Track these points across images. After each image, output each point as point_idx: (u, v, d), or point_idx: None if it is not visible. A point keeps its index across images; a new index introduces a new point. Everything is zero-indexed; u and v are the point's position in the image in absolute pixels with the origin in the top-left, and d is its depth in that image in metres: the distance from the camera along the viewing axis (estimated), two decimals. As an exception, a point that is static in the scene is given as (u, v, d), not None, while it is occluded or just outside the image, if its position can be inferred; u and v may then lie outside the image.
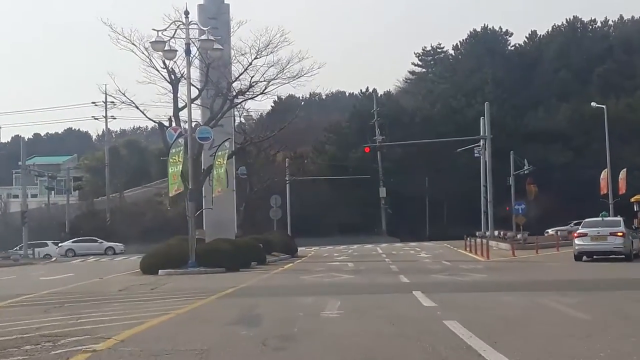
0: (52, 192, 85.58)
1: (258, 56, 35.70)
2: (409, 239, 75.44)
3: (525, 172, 73.28)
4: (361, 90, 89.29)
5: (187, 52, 31.72)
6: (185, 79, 32.90)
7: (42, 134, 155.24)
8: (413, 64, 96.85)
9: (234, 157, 42.02)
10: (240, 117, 47.19)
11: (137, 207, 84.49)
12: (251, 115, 46.86)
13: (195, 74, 35.28)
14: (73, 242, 71.00)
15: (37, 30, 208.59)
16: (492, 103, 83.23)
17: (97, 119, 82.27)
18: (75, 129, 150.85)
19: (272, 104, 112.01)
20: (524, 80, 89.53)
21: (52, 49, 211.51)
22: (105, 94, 70.77)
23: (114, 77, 36.97)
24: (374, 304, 16.98)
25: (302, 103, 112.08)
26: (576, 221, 77.70)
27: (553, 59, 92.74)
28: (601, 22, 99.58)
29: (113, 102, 79.88)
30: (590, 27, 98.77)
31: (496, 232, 59.34)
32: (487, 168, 61.32)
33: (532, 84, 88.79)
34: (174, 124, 33.50)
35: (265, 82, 36.59)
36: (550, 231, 76.29)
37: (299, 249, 62.32)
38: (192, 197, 32.23)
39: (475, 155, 67.29)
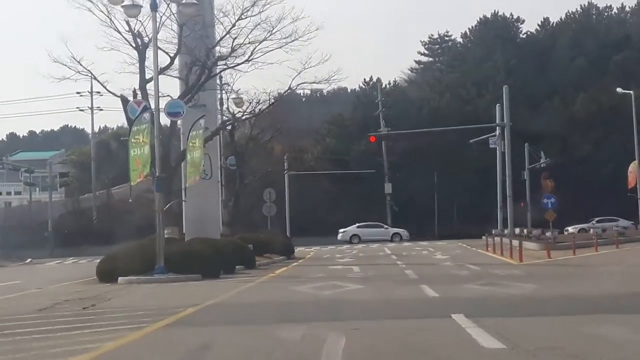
0: (37, 189, 79.16)
1: (243, 16, 29.07)
2: (416, 237, 68.84)
3: (542, 165, 66.42)
4: (364, 79, 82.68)
5: (153, 6, 25.04)
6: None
7: (37, 132, 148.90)
8: (419, 52, 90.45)
9: (220, 144, 35.55)
10: (227, 99, 40.56)
11: (126, 204, 77.62)
12: (241, 98, 39.79)
13: (168, 36, 28.62)
14: None
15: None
16: (503, 93, 76.96)
17: (82, 110, 75.57)
18: (71, 126, 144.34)
19: (272, 100, 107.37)
20: (538, 69, 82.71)
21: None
22: (92, 82, 64.12)
23: (67, 41, 30.03)
24: (400, 342, 10.34)
25: (304, 99, 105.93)
26: (598, 218, 71.49)
27: (567, 47, 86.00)
28: (617, 9, 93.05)
29: (99, 92, 73.77)
30: (606, 13, 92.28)
31: (517, 230, 52.56)
32: (507, 159, 54.51)
33: (546, 72, 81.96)
34: (139, 98, 26.85)
35: (251, 45, 29.85)
36: (571, 229, 69.77)
37: (298, 249, 55.71)
38: (158, 187, 25.60)
39: (491, 145, 60.49)
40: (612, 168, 71.61)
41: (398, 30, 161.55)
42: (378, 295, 18.27)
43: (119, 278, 24.89)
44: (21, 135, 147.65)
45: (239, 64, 30.37)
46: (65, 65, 28.84)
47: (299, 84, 35.79)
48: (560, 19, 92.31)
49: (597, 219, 70.65)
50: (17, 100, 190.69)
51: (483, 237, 62.09)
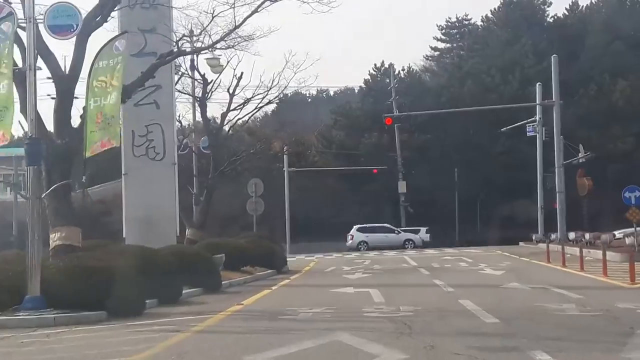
0: (7, 188, 67.67)
1: None
2: (435, 243, 57.34)
3: (581, 161, 54.43)
4: (375, 65, 70.71)
5: None
6: None
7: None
8: (435, 38, 78.54)
9: (175, 107, 24.02)
10: (196, 59, 29.01)
11: (104, 205, 65.84)
12: (218, 59, 28.10)
13: None
14: None
15: None
16: (532, 80, 65.32)
17: (53, 98, 63.70)
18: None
19: (278, 102, 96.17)
20: (569, 54, 70.52)
21: None
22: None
23: None
24: None
25: (309, 100, 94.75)
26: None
27: (600, 32, 74.12)
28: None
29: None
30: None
31: (571, 235, 41.01)
32: (556, 146, 42.97)
33: (579, 58, 70.05)
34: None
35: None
36: (617, 233, 58.33)
37: (297, 257, 44.26)
38: (32, 157, 14.18)
39: (529, 133, 48.99)
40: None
41: (410, 15, 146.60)
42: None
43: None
44: None
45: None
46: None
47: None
48: (591, 2, 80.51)
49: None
50: None
51: (521, 243, 50.86)
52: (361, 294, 18.14)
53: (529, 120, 48.63)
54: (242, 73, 29.13)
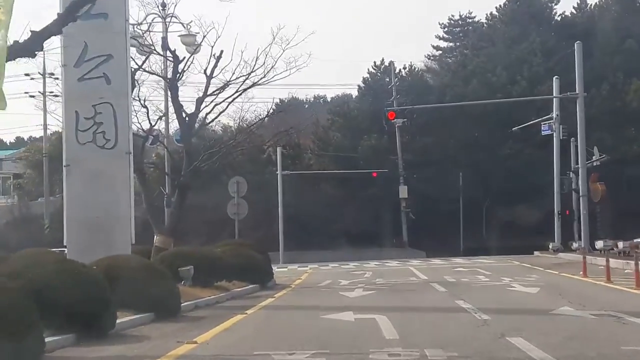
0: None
1: None
2: (437, 253, 52.25)
3: (595, 164, 49.22)
4: (374, 62, 65.55)
5: None
6: None
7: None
8: (437, 37, 73.53)
9: (132, 81, 19.02)
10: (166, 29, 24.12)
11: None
12: (194, 37, 22.93)
13: None
14: None
15: None
16: (541, 79, 60.39)
17: (32, 96, 58.68)
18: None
19: (274, 107, 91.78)
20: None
21: None
22: (44, 62, 47.53)
23: None
24: None
25: (306, 106, 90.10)
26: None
27: (611, 30, 69.25)
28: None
29: (52, 73, 56.53)
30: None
31: (599, 243, 35.93)
32: (580, 141, 37.97)
33: (590, 57, 64.95)
34: None
35: None
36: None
37: (289, 267, 39.28)
38: None
39: (544, 131, 43.98)
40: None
41: (410, 14, 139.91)
42: None
43: None
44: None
45: None
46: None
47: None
48: (600, 0, 75.71)
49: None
50: None
51: (536, 252, 45.85)
52: (364, 323, 13.05)
53: (544, 117, 43.63)
54: (221, 52, 24.00)
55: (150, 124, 24.02)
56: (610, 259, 22.49)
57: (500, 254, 47.47)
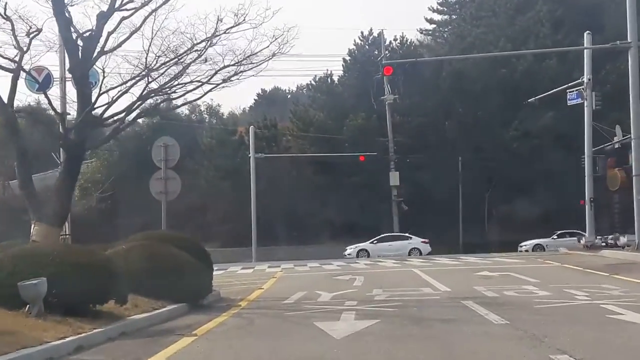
0: None
1: None
2: (433, 248, 43.86)
3: (617, 146, 40.53)
4: (361, 33, 56.60)
5: None
6: None
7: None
8: (431, 9, 64.49)
9: None
10: None
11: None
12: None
13: None
14: None
15: None
16: (551, 54, 51.72)
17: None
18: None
19: (256, 97, 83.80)
20: (591, 23, 56.83)
21: None
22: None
23: None
24: None
25: (289, 96, 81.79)
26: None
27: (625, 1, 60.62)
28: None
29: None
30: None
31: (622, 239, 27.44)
32: (633, 108, 29.22)
33: (603, 28, 56.35)
34: None
35: None
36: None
37: (257, 266, 30.52)
38: None
39: (570, 101, 35.32)
40: None
41: None
42: None
43: None
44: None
45: None
46: None
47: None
48: (609, -31, 67.10)
49: None
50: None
51: (561, 249, 37.26)
52: None
53: (573, 82, 34.96)
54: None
55: (21, 48, 15.10)
56: None
57: (504, 250, 39.26)
